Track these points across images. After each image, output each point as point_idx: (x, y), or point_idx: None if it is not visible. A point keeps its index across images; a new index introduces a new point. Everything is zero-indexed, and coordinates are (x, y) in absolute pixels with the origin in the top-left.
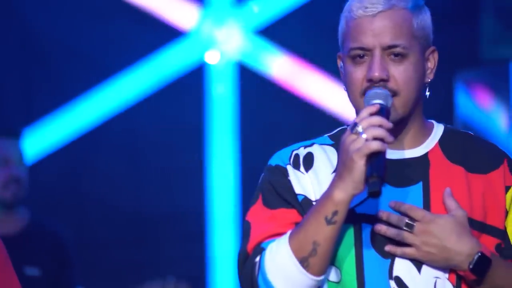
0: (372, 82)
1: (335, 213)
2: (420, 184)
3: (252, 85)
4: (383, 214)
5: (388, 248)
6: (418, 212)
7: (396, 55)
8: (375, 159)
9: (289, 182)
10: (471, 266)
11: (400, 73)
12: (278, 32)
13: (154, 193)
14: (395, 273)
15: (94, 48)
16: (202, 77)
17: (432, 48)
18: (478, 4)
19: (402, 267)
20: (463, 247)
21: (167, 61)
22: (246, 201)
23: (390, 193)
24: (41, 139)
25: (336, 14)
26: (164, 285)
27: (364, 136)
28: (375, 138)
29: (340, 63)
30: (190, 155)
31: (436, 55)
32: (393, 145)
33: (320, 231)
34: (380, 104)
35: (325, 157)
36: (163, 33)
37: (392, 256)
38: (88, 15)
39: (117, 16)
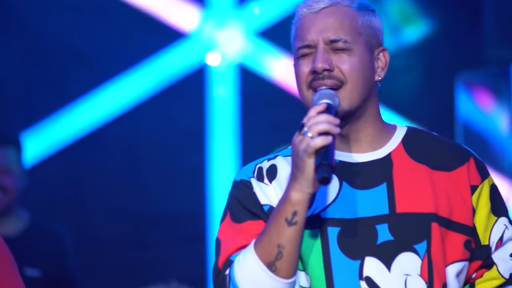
0: (316, 74)
1: (294, 213)
2: (384, 184)
3: (253, 87)
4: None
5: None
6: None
7: (340, 49)
8: (324, 151)
9: (253, 194)
10: None
11: (344, 63)
12: (279, 34)
13: (155, 194)
14: (365, 273)
15: (95, 49)
16: (203, 79)
17: (382, 48)
18: (480, 5)
19: (372, 267)
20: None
21: (168, 63)
22: None
23: (354, 196)
24: (42, 141)
25: None
26: None
27: (309, 134)
28: (320, 134)
29: (294, 69)
30: (191, 157)
31: (386, 54)
32: (351, 149)
33: (282, 233)
34: (327, 103)
35: (288, 167)
36: (164, 35)
37: (361, 257)
38: (89, 16)
39: (118, 18)
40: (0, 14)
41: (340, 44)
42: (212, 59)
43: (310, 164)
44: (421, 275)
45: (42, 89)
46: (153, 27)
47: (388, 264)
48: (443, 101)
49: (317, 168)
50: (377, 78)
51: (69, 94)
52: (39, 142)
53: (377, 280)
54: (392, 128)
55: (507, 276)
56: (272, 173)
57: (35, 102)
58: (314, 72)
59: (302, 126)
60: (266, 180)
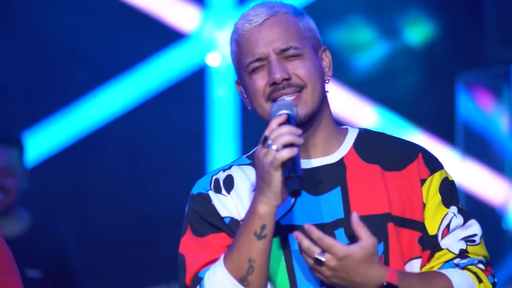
0: (276, 85)
1: (263, 227)
2: (339, 188)
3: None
4: (298, 237)
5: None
6: (326, 242)
7: (292, 56)
8: (291, 163)
9: (213, 206)
10: None
11: (299, 68)
12: None
13: (156, 194)
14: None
15: (96, 50)
16: (203, 79)
17: (323, 47)
18: (480, 6)
19: None
20: (370, 279)
21: (169, 63)
22: None
23: (310, 202)
24: (43, 141)
25: (334, 15)
26: None
27: (274, 147)
28: (285, 146)
29: (240, 88)
30: (192, 157)
31: (328, 53)
32: (307, 154)
33: (252, 247)
34: (286, 113)
35: (244, 176)
36: (165, 35)
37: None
38: (90, 17)
39: (119, 18)
40: (1, 15)
41: (291, 51)
42: (213, 60)
43: (277, 177)
44: None
45: (44, 89)
46: (154, 28)
47: None
48: (443, 102)
49: (286, 180)
50: (327, 78)
51: (70, 94)
52: (41, 142)
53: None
54: (344, 131)
55: (457, 252)
56: (229, 183)
57: (37, 102)
58: (273, 83)
59: (266, 139)
60: (224, 191)
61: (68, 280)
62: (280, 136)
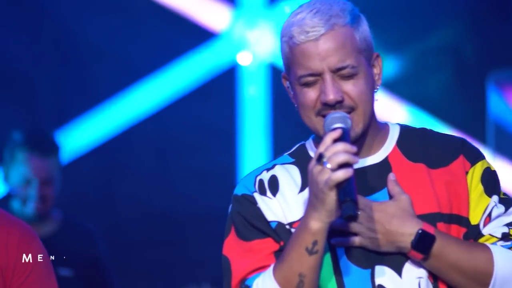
0: (327, 106)
1: (315, 243)
2: (385, 190)
3: (284, 86)
4: None
5: (335, 241)
6: (361, 201)
7: (347, 76)
8: (346, 184)
9: (259, 210)
10: (413, 244)
11: (352, 90)
12: None
13: (186, 194)
14: (377, 281)
15: (126, 49)
16: (234, 78)
17: (375, 54)
18: (510, 4)
19: (384, 275)
20: (404, 228)
21: (199, 62)
22: None
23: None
24: (73, 141)
25: (370, 13)
26: None
27: (329, 166)
28: (340, 165)
29: (286, 83)
30: (222, 157)
31: (379, 60)
32: (356, 155)
33: (303, 263)
34: (341, 128)
35: (288, 177)
36: (195, 35)
37: (371, 266)
38: (120, 16)
39: (149, 18)
40: (31, 14)
41: (347, 71)
42: (243, 59)
43: (331, 196)
44: (428, 278)
45: (73, 89)
46: (184, 27)
47: (398, 270)
48: (474, 101)
49: (341, 204)
50: (376, 87)
51: (100, 94)
52: (70, 142)
53: (389, 286)
54: (385, 128)
55: (499, 236)
56: (274, 185)
57: (67, 102)
58: (325, 104)
59: (321, 156)
60: (269, 193)
61: (99, 279)
62: (335, 155)
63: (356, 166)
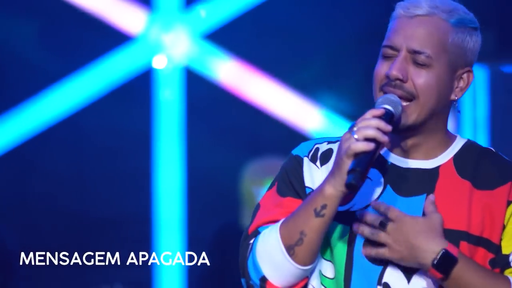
0: (389, 80)
1: (324, 206)
2: (424, 196)
3: (200, 90)
4: (362, 214)
5: (364, 251)
6: (394, 213)
7: (420, 63)
8: (363, 156)
9: (301, 172)
10: (435, 262)
11: (419, 78)
12: (226, 37)
13: (101, 198)
14: (385, 279)
15: (39, 52)
16: (149, 82)
17: (467, 68)
18: None
19: (392, 275)
20: (429, 245)
21: (115, 65)
22: (192, 206)
23: (393, 200)
24: None
25: (283, 19)
26: None
27: (355, 136)
28: (367, 139)
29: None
30: (137, 160)
31: (471, 76)
32: (406, 154)
33: (308, 222)
34: (386, 109)
35: None
36: (111, 38)
37: (384, 264)
38: (33, 18)
39: (63, 20)
40: None
41: (421, 57)
42: (159, 62)
43: (347, 164)
44: None
45: None
46: (99, 30)
47: (408, 276)
48: None
49: (349, 172)
50: (453, 97)
51: (14, 96)
52: None
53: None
54: (451, 140)
55: None
56: (326, 157)
57: None
58: (387, 76)
59: (353, 125)
60: (318, 163)
61: (10, 284)
62: (365, 128)
63: (405, 165)
